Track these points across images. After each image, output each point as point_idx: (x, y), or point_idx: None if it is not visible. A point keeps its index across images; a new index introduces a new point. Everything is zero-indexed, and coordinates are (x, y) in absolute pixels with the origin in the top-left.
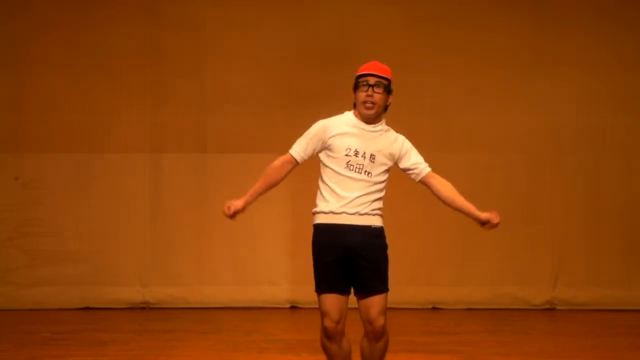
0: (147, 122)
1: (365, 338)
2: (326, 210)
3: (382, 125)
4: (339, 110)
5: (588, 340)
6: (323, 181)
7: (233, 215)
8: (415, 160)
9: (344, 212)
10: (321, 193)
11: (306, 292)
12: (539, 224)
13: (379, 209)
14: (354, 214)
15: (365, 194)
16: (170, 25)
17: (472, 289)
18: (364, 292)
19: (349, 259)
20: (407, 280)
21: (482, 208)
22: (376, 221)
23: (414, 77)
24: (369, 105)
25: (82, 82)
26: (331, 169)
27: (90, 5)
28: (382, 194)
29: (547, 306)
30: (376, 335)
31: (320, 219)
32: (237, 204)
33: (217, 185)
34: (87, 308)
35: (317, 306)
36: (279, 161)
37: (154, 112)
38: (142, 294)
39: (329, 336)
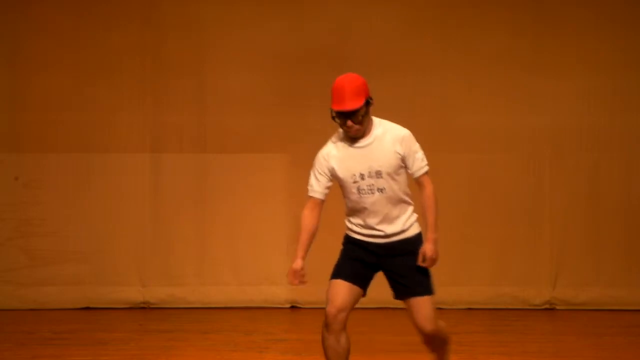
0: (147, 122)
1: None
2: (355, 230)
3: (375, 132)
4: None
5: (588, 340)
6: (348, 209)
7: (300, 280)
8: (410, 164)
9: (372, 236)
10: (349, 219)
11: (306, 292)
12: (539, 224)
13: (409, 214)
14: (382, 236)
15: (389, 212)
16: (170, 25)
17: (471, 288)
18: (403, 296)
19: (377, 264)
20: None
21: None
22: (408, 233)
23: (414, 77)
24: (352, 133)
25: (82, 81)
26: (347, 196)
27: (89, 5)
28: (406, 198)
29: (547, 306)
30: (427, 340)
31: (353, 235)
32: (296, 267)
33: (217, 185)
34: (87, 308)
35: (317, 306)
36: (306, 209)
37: (154, 112)
38: (142, 294)
39: (327, 323)
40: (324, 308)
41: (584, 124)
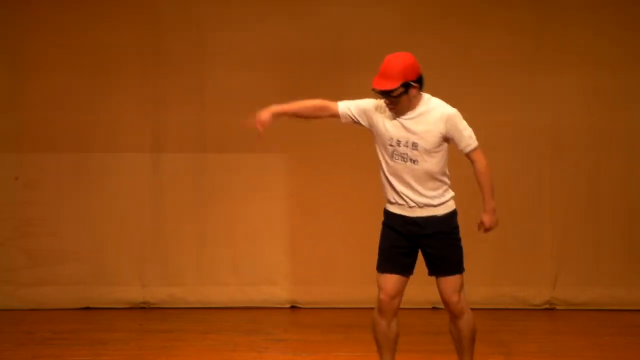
0: (147, 122)
1: (450, 321)
2: (389, 199)
3: (420, 108)
4: None
5: (588, 340)
6: (381, 170)
7: (262, 125)
8: (457, 142)
9: (404, 205)
10: (382, 183)
11: (306, 292)
12: (539, 224)
13: (441, 193)
14: (412, 207)
15: (418, 184)
16: (170, 25)
17: (471, 288)
18: (435, 274)
19: (414, 245)
20: None
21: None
22: (439, 210)
23: None
24: (390, 107)
25: (82, 82)
26: (382, 158)
27: (90, 5)
28: (440, 177)
29: (547, 306)
30: (454, 313)
31: (387, 207)
32: (264, 114)
33: (217, 185)
34: (87, 308)
35: (317, 306)
36: (322, 101)
37: (154, 112)
38: (142, 294)
39: (381, 310)
40: (324, 308)
41: (584, 123)
